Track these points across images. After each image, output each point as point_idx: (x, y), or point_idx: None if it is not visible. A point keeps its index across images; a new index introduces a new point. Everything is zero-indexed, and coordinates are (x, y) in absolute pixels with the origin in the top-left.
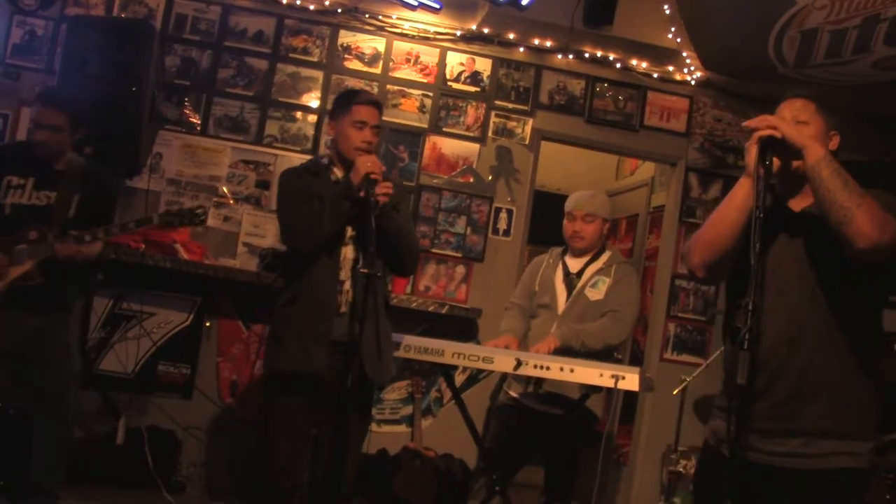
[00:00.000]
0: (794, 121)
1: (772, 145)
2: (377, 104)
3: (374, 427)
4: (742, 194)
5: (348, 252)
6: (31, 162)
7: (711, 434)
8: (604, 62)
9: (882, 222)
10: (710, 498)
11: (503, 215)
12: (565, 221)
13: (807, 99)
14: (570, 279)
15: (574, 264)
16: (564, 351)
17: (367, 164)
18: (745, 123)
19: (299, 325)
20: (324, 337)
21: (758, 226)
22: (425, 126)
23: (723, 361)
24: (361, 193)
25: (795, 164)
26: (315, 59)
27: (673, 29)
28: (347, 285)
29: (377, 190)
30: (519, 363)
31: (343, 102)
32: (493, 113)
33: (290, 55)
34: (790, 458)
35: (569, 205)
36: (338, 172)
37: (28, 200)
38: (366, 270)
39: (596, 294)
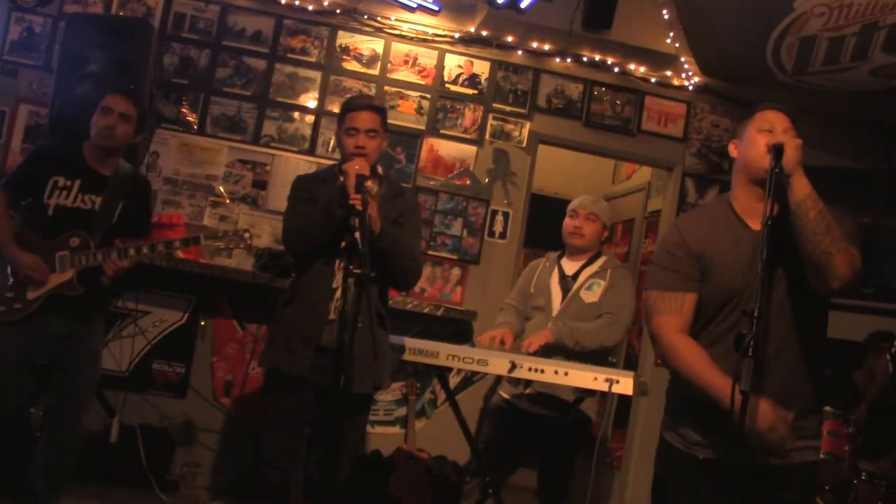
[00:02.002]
0: (788, 134)
1: (778, 155)
2: (370, 107)
3: (368, 428)
4: None
5: (343, 261)
6: (79, 164)
7: (678, 438)
8: (602, 66)
9: (854, 263)
10: (684, 501)
11: (499, 218)
12: (566, 219)
13: (790, 119)
14: (566, 281)
15: (570, 267)
16: (558, 348)
17: (355, 166)
18: (767, 142)
19: (290, 327)
20: (311, 340)
21: (766, 232)
22: (423, 128)
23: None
24: (355, 201)
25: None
26: (313, 59)
27: (671, 34)
28: (339, 293)
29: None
30: (513, 366)
31: (341, 111)
32: (490, 115)
33: (289, 55)
34: (766, 457)
35: (573, 204)
36: (343, 179)
37: (73, 203)
38: (358, 270)
39: (591, 296)
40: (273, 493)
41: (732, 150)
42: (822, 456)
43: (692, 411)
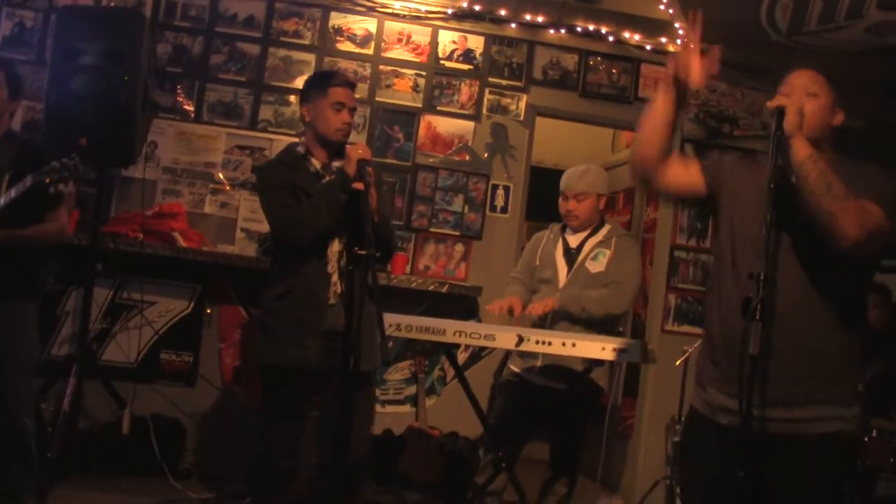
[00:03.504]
0: (805, 91)
1: (780, 117)
2: (353, 85)
3: (378, 408)
4: (659, 98)
5: (334, 245)
6: None
7: (703, 404)
8: (596, 36)
9: (863, 222)
10: (703, 467)
11: (500, 192)
12: (560, 200)
13: (817, 71)
14: (571, 253)
15: (574, 239)
16: (564, 315)
17: (358, 150)
18: (769, 104)
19: (292, 318)
20: (316, 329)
21: (771, 195)
22: (419, 105)
23: (706, 328)
24: (359, 185)
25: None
26: (307, 42)
27: (664, 0)
28: (335, 277)
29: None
30: (520, 339)
31: (318, 84)
32: (487, 90)
33: (282, 39)
34: (786, 424)
35: (561, 184)
36: (315, 163)
37: None
38: (363, 252)
39: (597, 266)
40: (283, 478)
41: None
42: None
43: (718, 376)
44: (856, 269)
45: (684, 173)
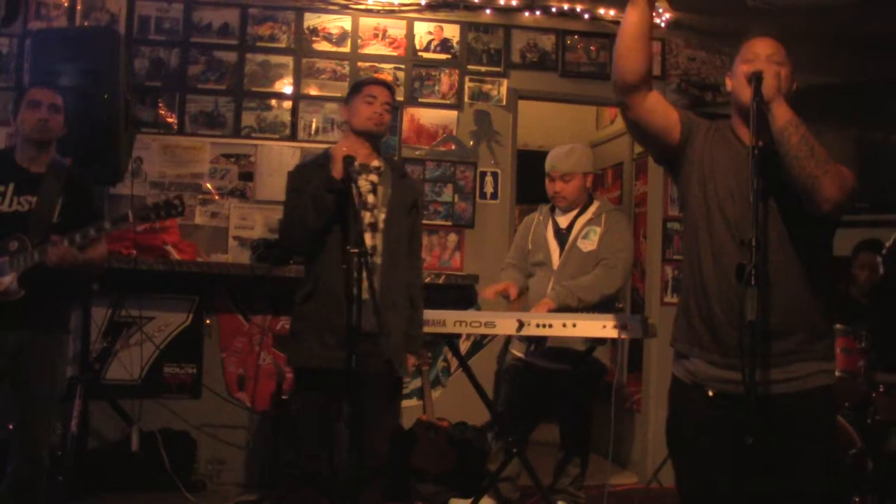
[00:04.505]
0: (770, 60)
1: (759, 83)
2: (388, 86)
3: None
4: (630, 11)
5: (367, 239)
6: (8, 167)
7: (688, 374)
8: (572, 14)
9: (843, 184)
10: (689, 437)
11: (489, 179)
12: (546, 181)
13: (777, 41)
14: (562, 234)
15: (563, 219)
16: (562, 311)
17: (342, 148)
18: (744, 71)
19: (316, 319)
20: (340, 328)
21: (755, 163)
22: (401, 99)
23: (682, 297)
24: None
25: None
26: (283, 45)
27: None
28: (364, 273)
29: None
30: (521, 324)
31: (357, 85)
32: (466, 78)
33: (258, 44)
34: (779, 385)
35: (547, 165)
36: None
37: (9, 207)
38: (355, 250)
39: (589, 245)
40: (309, 480)
41: (728, 83)
42: (837, 374)
43: (700, 346)
44: (827, 230)
45: (664, 111)
